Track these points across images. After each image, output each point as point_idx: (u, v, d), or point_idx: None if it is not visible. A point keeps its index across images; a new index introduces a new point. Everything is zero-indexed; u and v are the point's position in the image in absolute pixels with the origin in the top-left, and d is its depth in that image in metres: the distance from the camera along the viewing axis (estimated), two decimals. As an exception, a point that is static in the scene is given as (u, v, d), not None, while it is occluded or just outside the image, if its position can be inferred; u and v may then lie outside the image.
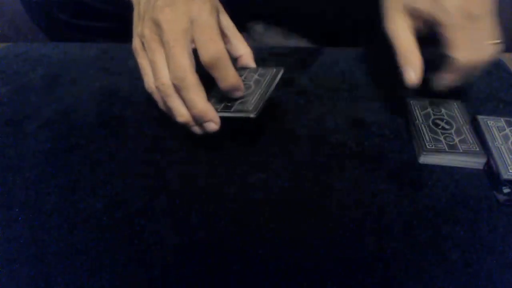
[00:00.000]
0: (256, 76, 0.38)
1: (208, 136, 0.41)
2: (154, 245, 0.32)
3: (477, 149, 0.37)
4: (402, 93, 0.43)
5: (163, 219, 0.34)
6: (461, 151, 0.37)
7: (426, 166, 0.38)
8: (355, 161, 0.38)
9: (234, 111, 0.35)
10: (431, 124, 0.40)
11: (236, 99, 0.36)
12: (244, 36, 0.64)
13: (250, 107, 0.34)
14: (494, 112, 0.43)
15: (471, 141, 0.38)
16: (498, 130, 0.39)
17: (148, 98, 0.45)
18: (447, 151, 0.37)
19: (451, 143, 0.38)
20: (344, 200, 0.35)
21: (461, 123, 0.41)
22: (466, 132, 0.39)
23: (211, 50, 0.32)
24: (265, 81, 0.37)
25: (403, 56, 0.38)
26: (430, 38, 0.38)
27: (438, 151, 0.37)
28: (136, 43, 0.36)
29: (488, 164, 0.37)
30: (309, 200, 0.35)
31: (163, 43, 0.33)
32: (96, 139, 0.41)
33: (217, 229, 0.33)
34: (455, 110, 0.42)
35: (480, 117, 0.40)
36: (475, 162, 0.37)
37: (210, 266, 0.30)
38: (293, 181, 0.37)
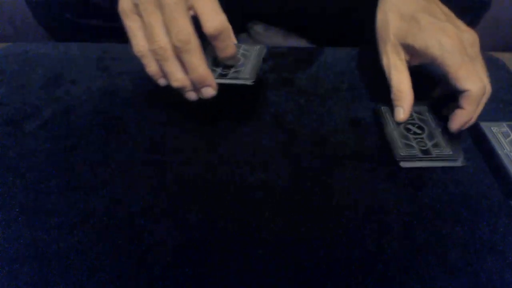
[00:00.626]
0: (241, 51, 0.40)
1: (207, 136, 0.41)
2: (154, 245, 0.32)
3: (450, 152, 0.37)
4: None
5: (163, 219, 0.34)
6: (434, 156, 0.37)
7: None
8: (355, 161, 0.38)
9: (231, 78, 0.37)
10: (402, 129, 0.40)
11: (229, 69, 0.38)
12: (243, 37, 0.64)
13: (246, 75, 0.37)
14: (494, 112, 0.43)
15: (443, 145, 0.38)
16: (504, 136, 0.38)
17: (148, 98, 0.45)
18: (421, 157, 0.37)
19: (423, 148, 0.38)
20: (344, 200, 0.35)
21: (433, 126, 0.40)
22: (439, 135, 0.39)
23: (216, 21, 0.33)
24: (252, 55, 0.40)
25: (395, 95, 0.40)
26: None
27: (412, 157, 0.37)
28: (125, 5, 0.35)
29: (500, 172, 0.36)
30: (309, 200, 0.35)
31: (161, 6, 0.33)
32: (96, 139, 0.41)
33: (217, 229, 0.33)
34: (426, 114, 0.42)
35: (483, 124, 0.40)
36: (451, 165, 0.37)
37: (210, 266, 0.30)
38: (293, 181, 0.37)
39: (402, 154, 0.37)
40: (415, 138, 0.39)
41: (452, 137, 0.39)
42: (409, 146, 0.38)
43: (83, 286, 0.29)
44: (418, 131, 0.39)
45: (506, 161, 0.36)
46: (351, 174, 0.37)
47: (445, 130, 0.39)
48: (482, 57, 0.38)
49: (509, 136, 0.38)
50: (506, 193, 0.35)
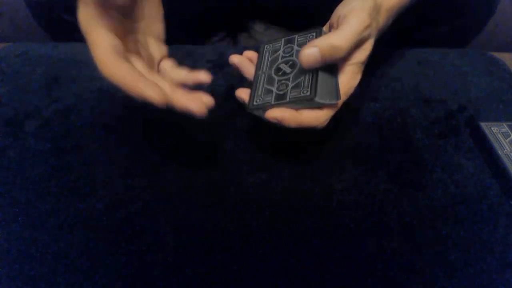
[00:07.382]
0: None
1: (207, 136, 0.41)
2: (154, 245, 0.32)
3: (308, 93, 0.31)
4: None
5: (163, 219, 0.34)
6: (287, 100, 0.31)
7: (426, 166, 0.38)
8: (355, 161, 0.38)
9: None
10: (272, 72, 0.34)
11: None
12: (244, 36, 0.64)
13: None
14: (494, 112, 0.43)
15: (305, 84, 0.31)
16: (504, 136, 0.38)
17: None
18: (273, 104, 0.32)
19: (281, 92, 0.32)
20: (344, 200, 0.35)
21: None
22: (307, 72, 0.32)
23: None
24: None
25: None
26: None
27: (264, 105, 0.32)
28: None
29: (500, 172, 0.36)
30: (309, 200, 0.35)
31: None
32: (96, 139, 0.41)
33: (217, 229, 0.33)
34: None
35: (483, 124, 0.40)
36: (306, 107, 0.32)
37: (210, 266, 0.30)
38: (293, 181, 0.37)
39: (255, 103, 0.33)
40: (280, 81, 0.33)
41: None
42: (268, 92, 0.33)
43: (83, 286, 0.29)
44: (289, 69, 0.34)
45: (506, 161, 0.36)
46: (351, 174, 0.37)
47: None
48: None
49: (509, 136, 0.38)
50: (506, 193, 0.35)
